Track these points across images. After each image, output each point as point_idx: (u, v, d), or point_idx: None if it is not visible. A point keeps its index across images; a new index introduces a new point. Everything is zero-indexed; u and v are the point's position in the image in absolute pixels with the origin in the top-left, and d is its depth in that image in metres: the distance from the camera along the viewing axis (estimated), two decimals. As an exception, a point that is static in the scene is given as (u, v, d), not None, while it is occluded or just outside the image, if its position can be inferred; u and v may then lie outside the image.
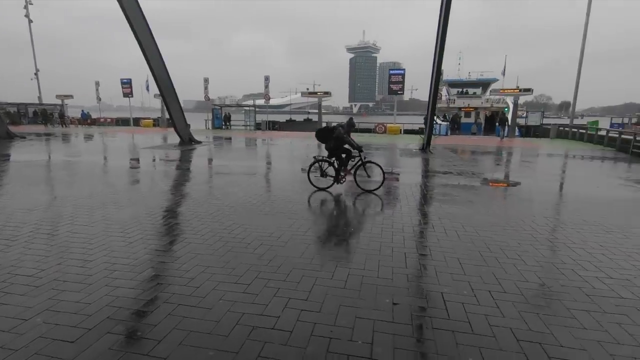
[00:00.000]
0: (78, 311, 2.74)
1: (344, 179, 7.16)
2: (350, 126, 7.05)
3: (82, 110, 33.02)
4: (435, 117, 16.66)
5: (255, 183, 7.81)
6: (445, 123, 27.05)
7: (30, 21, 32.76)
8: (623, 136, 16.21)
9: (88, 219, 5.07)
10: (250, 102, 36.97)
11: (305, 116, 29.69)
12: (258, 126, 28.96)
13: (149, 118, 33.27)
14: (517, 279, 3.36)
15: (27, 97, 35.00)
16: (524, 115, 29.30)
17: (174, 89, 16.36)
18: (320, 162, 7.14)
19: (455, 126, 24.12)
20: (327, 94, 27.38)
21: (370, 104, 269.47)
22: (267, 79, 28.78)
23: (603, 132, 18.83)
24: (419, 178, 9.11)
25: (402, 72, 25.33)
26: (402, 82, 24.73)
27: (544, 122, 27.70)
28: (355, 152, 7.00)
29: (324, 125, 25.88)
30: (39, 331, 2.49)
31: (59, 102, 32.43)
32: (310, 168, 7.38)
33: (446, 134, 25.38)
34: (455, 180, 8.68)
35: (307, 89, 39.72)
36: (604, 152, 15.50)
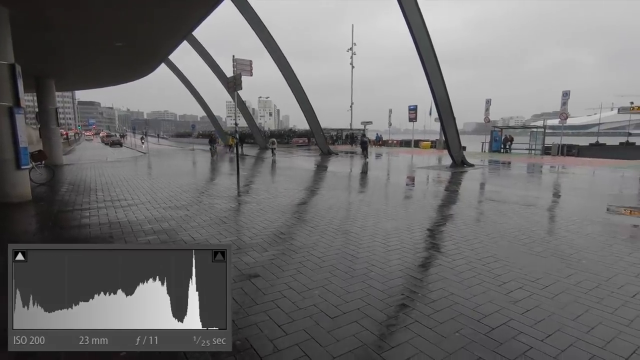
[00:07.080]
0: (340, 295, 3.38)
1: None
2: None
3: (377, 133, 40.05)
4: None
5: (532, 215, 6.72)
6: None
7: (352, 67, 43.40)
8: None
9: (362, 223, 6.11)
10: (540, 123, 32.02)
11: (623, 138, 21.91)
12: (547, 150, 24.64)
13: (427, 140, 35.74)
14: None
15: (343, 123, 46.70)
16: None
17: (453, 113, 16.77)
18: None
19: None
20: (666, 108, 19.52)
21: None
22: (565, 94, 24.06)
23: None
24: None
25: None
26: None
27: None
28: None
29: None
30: (314, 300, 3.27)
31: (362, 127, 41.13)
32: None
33: None
34: None
35: (632, 102, 29.78)
36: None
